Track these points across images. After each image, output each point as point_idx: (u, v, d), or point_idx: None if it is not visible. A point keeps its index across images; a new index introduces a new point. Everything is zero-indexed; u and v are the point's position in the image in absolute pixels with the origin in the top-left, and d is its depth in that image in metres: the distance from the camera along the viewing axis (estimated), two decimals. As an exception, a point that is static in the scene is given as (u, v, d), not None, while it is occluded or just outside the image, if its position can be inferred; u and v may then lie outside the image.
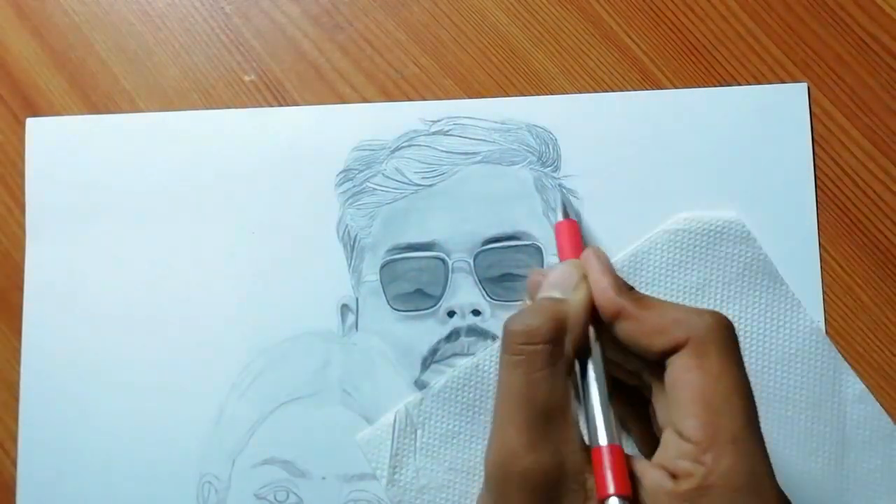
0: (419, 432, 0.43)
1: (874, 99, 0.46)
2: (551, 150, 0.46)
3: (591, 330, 0.34)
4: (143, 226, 0.46)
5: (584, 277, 0.35)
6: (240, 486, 0.44)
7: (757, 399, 0.31)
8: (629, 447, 0.37)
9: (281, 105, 0.48)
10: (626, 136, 0.46)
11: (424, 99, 0.47)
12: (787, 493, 0.31)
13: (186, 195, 0.47)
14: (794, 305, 0.44)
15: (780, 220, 0.45)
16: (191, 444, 0.44)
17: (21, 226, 0.47)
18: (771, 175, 0.45)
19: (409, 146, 0.46)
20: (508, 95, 0.47)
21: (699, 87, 0.46)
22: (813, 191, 0.45)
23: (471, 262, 0.45)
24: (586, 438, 0.32)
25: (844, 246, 0.45)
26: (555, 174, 0.46)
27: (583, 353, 0.33)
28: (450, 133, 0.46)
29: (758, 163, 0.45)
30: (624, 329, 0.33)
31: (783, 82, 0.46)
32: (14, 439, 0.45)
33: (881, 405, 0.43)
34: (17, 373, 0.46)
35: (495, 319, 0.45)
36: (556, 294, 0.34)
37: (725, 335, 0.32)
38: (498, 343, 0.44)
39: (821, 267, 0.44)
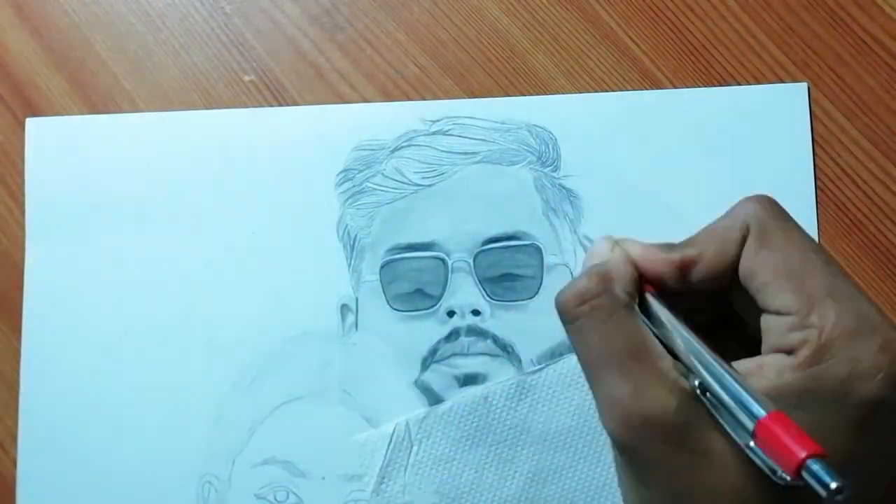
0: (415, 449, 0.43)
1: (874, 99, 0.46)
2: (551, 150, 0.46)
3: (655, 300, 0.33)
4: (143, 226, 0.46)
5: (617, 243, 0.35)
6: (240, 485, 0.44)
7: None
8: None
9: (281, 105, 0.48)
10: (626, 136, 0.46)
11: (424, 99, 0.47)
12: None
13: (186, 195, 0.47)
14: None
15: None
16: (191, 444, 0.44)
17: (21, 226, 0.47)
18: (771, 175, 0.45)
19: (409, 146, 0.46)
20: (508, 95, 0.47)
21: (699, 86, 0.46)
22: (813, 191, 0.45)
23: (471, 262, 0.45)
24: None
25: (844, 246, 0.45)
26: (555, 174, 0.46)
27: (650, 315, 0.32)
28: (449, 133, 0.46)
29: (758, 163, 0.45)
30: (690, 272, 0.32)
31: (783, 82, 0.46)
32: (14, 439, 0.45)
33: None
34: (17, 373, 0.46)
35: (495, 319, 0.45)
36: (595, 261, 0.34)
37: (776, 208, 0.32)
38: (509, 378, 0.44)
39: (821, 267, 0.44)
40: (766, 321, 0.31)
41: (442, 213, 0.45)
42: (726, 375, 0.29)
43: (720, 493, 0.29)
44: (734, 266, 0.32)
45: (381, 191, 0.46)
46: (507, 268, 0.45)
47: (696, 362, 0.30)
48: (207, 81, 0.48)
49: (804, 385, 0.28)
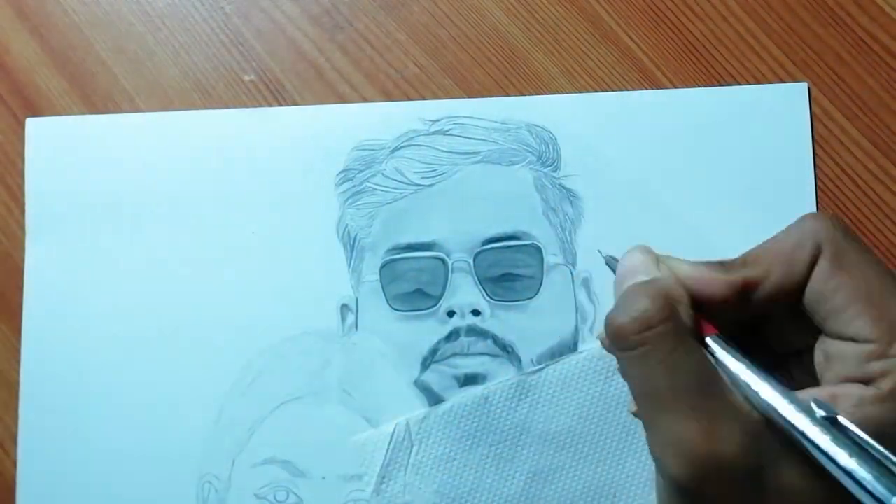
0: (415, 449, 0.43)
1: (874, 99, 0.46)
2: (551, 150, 0.46)
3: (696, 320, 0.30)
4: (143, 225, 0.46)
5: (661, 260, 0.32)
6: (240, 485, 0.44)
7: None
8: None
9: (281, 105, 0.48)
10: (625, 135, 0.46)
11: (424, 99, 0.47)
12: None
13: (186, 195, 0.47)
14: None
15: (780, 220, 0.45)
16: (191, 444, 0.44)
17: (21, 226, 0.47)
18: (771, 175, 0.45)
19: (409, 146, 0.46)
20: (508, 95, 0.47)
21: (699, 86, 0.46)
22: (813, 191, 0.45)
23: (471, 261, 0.45)
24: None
25: (844, 246, 0.45)
26: (555, 174, 0.46)
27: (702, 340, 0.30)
28: (449, 133, 0.46)
29: (758, 163, 0.45)
30: (751, 295, 0.30)
31: (783, 82, 0.46)
32: (14, 439, 0.45)
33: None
34: (17, 373, 0.46)
35: (495, 319, 0.45)
36: (643, 277, 0.31)
37: (846, 227, 0.30)
38: (509, 378, 0.44)
39: (821, 267, 0.44)
40: (836, 347, 0.29)
41: (442, 213, 0.45)
42: (844, 454, 0.26)
43: None
44: (802, 288, 0.30)
45: (381, 191, 0.46)
46: (507, 268, 0.45)
47: (798, 435, 0.27)
48: (207, 81, 0.48)
49: (891, 418, 0.27)
